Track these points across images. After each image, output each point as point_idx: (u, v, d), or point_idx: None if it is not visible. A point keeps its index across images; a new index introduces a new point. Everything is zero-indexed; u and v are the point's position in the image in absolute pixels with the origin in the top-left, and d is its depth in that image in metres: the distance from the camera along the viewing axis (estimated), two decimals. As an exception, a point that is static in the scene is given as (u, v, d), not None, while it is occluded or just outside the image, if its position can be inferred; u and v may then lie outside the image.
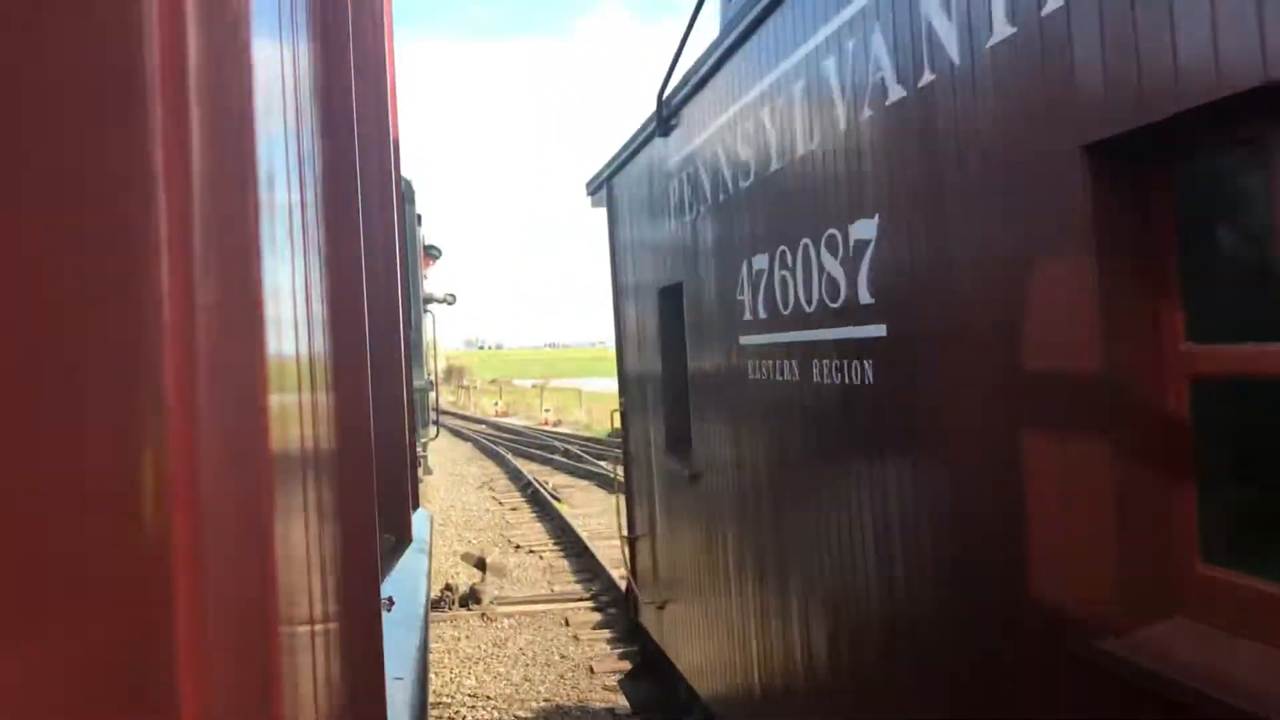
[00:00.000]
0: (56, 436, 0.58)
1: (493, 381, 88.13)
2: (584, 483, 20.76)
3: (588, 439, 28.69)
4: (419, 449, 9.43)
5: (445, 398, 63.16)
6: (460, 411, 50.94)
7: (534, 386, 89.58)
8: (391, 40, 3.85)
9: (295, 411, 1.05)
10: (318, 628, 1.11)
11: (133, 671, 0.59)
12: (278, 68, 1.06)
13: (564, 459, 23.77)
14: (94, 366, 0.59)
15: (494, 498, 19.89)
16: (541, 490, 19.49)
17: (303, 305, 1.12)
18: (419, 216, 10.16)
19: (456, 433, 35.21)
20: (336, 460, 1.32)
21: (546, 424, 36.63)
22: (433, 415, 11.89)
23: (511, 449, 26.04)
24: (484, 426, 38.29)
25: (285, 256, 1.02)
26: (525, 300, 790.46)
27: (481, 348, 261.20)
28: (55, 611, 0.58)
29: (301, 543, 1.04)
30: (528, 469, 22.40)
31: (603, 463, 21.76)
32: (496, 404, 48.12)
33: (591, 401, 41.81)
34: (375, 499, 1.58)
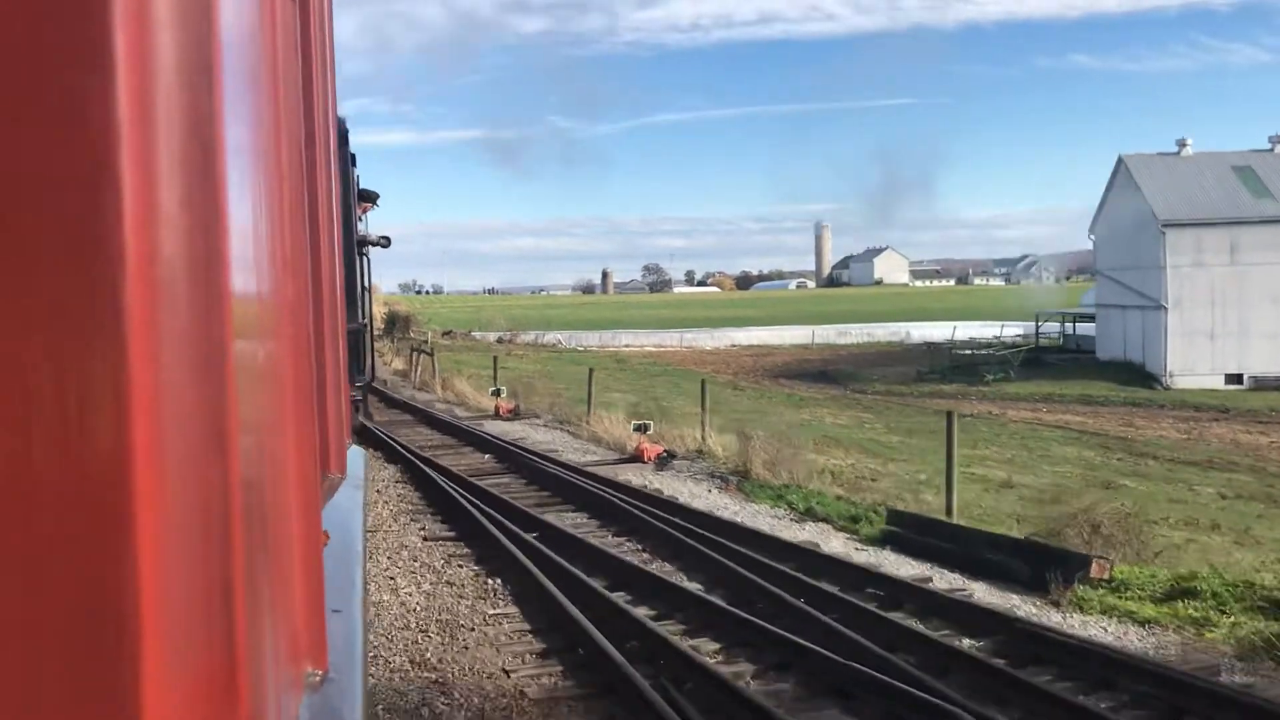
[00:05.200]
0: (17, 365, 0.58)
1: (447, 334, 67.49)
2: None
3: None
4: (357, 392, 9.71)
5: (393, 364, 42.49)
6: (422, 403, 27.07)
7: (500, 341, 70.22)
8: None
9: (249, 350, 1.04)
10: (262, 562, 1.08)
11: (89, 588, 0.59)
12: None
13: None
14: (56, 298, 0.59)
15: None
16: None
17: (250, 244, 1.10)
18: (353, 157, 9.68)
19: (438, 505, 13.35)
20: (283, 397, 1.29)
21: (646, 455, 16.73)
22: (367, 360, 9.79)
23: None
24: (487, 459, 17.43)
25: (241, 196, 1.01)
26: (461, 244, 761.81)
27: (419, 292, 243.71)
28: (11, 533, 0.58)
29: (251, 476, 1.02)
30: None
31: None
32: (498, 394, 24.70)
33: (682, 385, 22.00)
34: (318, 435, 1.63)
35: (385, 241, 12.85)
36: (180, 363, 0.67)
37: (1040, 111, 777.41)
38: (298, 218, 1.57)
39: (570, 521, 12.12)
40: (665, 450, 16.16)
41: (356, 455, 3.38)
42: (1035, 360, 55.03)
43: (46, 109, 0.58)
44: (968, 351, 58.48)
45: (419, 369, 35.61)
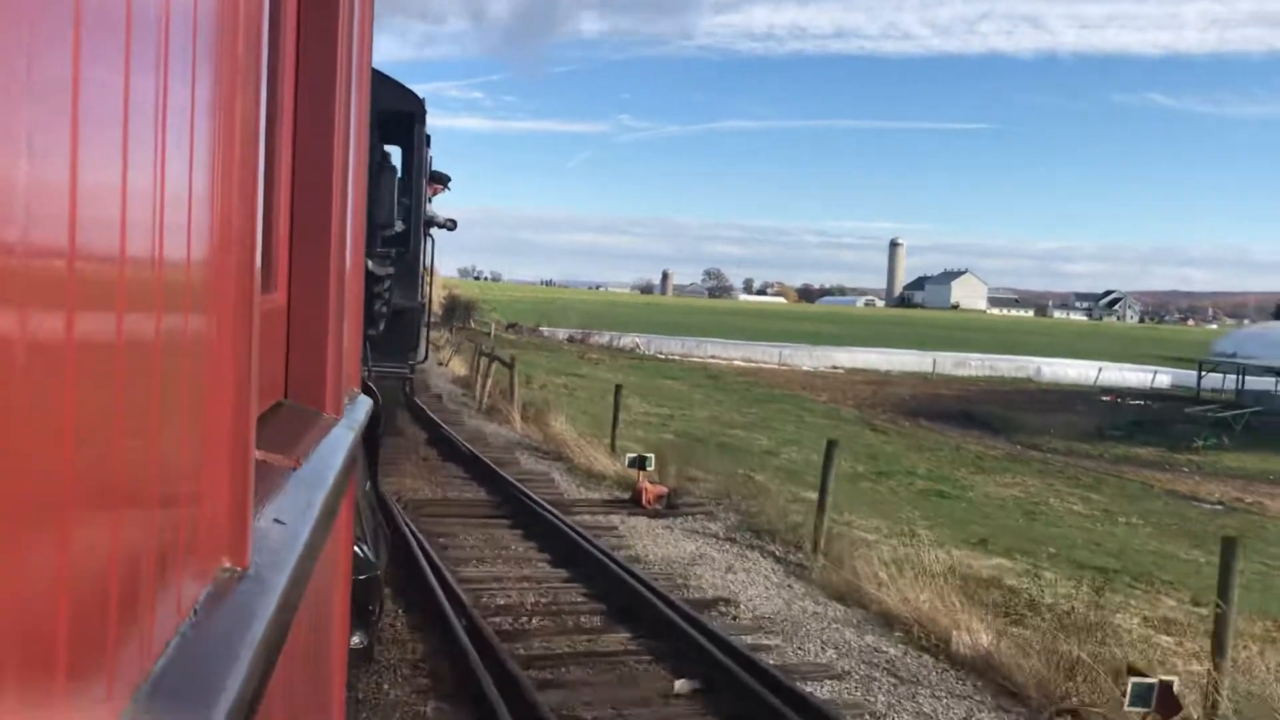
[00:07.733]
0: None
1: (512, 327, 58.01)
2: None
3: None
4: (408, 369, 10.86)
5: (452, 365, 32.85)
6: (497, 452, 16.39)
7: (571, 340, 60.75)
8: None
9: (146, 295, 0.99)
10: (158, 472, 1.09)
11: None
12: None
13: None
14: None
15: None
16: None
17: (156, 205, 1.01)
18: (428, 138, 9.76)
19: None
20: (204, 335, 1.33)
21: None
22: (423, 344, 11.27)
23: None
24: (686, 708, 6.84)
25: (145, 153, 0.96)
26: (521, 233, 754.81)
27: (477, 278, 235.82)
28: None
29: (145, 400, 1.01)
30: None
31: None
32: (642, 466, 12.89)
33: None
34: (252, 380, 1.64)
35: (451, 224, 13.42)
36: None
37: (1111, 147, 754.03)
38: (249, 191, 1.47)
39: None
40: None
41: (362, 404, 3.56)
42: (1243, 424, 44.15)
43: None
44: (1155, 403, 47.70)
45: (488, 382, 25.26)
